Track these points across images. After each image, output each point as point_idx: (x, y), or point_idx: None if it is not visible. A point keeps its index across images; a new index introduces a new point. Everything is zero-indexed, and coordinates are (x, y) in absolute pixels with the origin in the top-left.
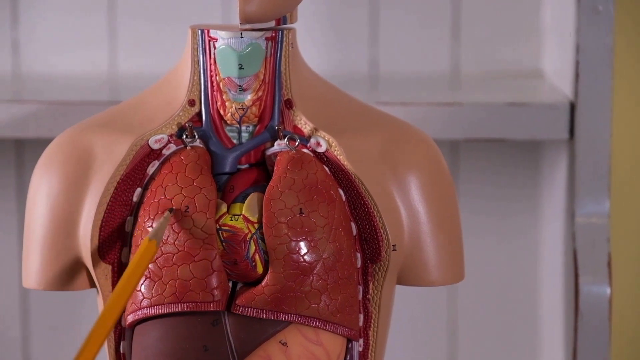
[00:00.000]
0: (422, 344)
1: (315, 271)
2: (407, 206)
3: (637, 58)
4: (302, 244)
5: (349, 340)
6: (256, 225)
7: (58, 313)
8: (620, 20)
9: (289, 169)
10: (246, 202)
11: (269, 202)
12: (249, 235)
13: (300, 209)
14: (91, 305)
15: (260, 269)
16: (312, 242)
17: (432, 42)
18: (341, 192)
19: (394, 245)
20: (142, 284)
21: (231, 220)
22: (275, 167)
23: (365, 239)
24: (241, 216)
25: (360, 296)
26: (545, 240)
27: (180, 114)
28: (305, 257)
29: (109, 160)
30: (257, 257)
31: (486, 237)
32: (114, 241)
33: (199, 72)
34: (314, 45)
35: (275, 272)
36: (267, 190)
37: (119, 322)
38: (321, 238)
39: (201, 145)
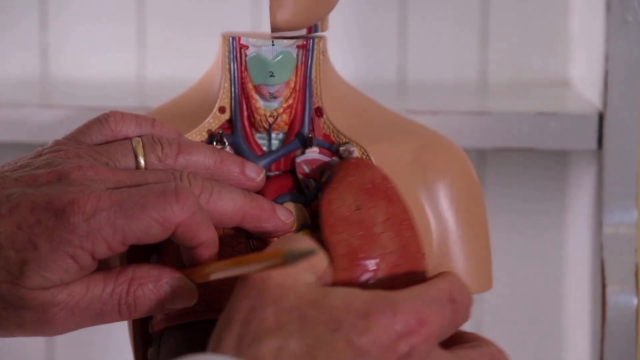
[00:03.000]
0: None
1: (379, 267)
2: (436, 215)
3: None
4: (362, 239)
5: None
6: None
7: None
8: None
9: (346, 173)
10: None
11: (328, 201)
12: None
13: (357, 205)
14: None
15: None
16: (373, 237)
17: (460, 50)
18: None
19: (422, 254)
20: None
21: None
22: (333, 174)
23: None
24: None
25: None
26: (572, 249)
27: (211, 121)
28: (367, 252)
29: None
30: None
31: (513, 246)
32: (143, 246)
33: (230, 79)
34: (342, 53)
35: (338, 270)
36: (325, 191)
37: (146, 328)
38: (382, 232)
39: (231, 153)
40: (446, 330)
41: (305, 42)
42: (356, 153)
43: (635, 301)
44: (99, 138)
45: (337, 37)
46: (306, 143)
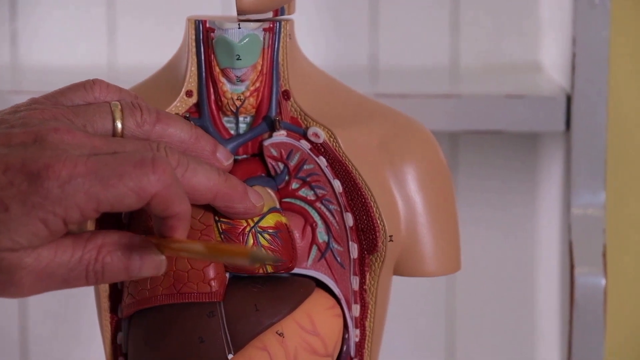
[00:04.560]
0: (421, 333)
1: None
2: (404, 197)
3: (633, 50)
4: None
5: (345, 330)
6: (255, 219)
7: (56, 305)
8: (616, 12)
9: None
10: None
11: None
12: (247, 229)
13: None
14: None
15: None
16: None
17: (431, 34)
18: (338, 182)
19: (390, 236)
20: None
21: None
22: None
23: (362, 230)
24: None
25: (357, 287)
26: (542, 231)
27: (178, 104)
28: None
29: None
30: None
31: (484, 228)
32: (113, 218)
33: (196, 63)
34: (314, 38)
35: None
36: None
37: (115, 313)
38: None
39: (206, 133)
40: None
41: (271, 25)
42: (323, 136)
43: (603, 282)
44: (79, 103)
45: (309, 22)
46: (274, 126)
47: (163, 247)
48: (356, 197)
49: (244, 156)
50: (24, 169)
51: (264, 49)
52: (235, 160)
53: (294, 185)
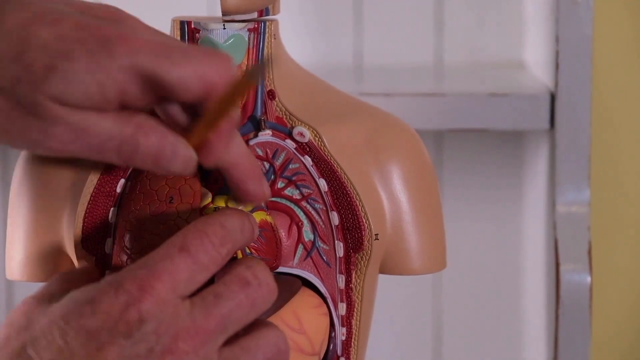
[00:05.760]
0: (408, 331)
1: None
2: (389, 195)
3: (616, 48)
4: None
5: (332, 329)
6: None
7: None
8: (599, 10)
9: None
10: (232, 195)
11: None
12: None
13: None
14: None
15: None
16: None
17: (415, 33)
18: (324, 181)
19: (376, 235)
20: None
21: (215, 211)
22: None
23: (348, 228)
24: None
25: (343, 285)
26: (527, 228)
27: None
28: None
29: None
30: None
31: (470, 226)
32: (98, 232)
33: None
34: (299, 37)
35: None
36: None
37: None
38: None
39: None
40: (193, 278)
41: (256, 25)
42: (308, 135)
43: (588, 279)
44: None
45: (294, 22)
46: (259, 126)
47: (190, 139)
48: (342, 196)
49: None
50: (97, 32)
51: (248, 49)
52: None
53: (280, 184)
